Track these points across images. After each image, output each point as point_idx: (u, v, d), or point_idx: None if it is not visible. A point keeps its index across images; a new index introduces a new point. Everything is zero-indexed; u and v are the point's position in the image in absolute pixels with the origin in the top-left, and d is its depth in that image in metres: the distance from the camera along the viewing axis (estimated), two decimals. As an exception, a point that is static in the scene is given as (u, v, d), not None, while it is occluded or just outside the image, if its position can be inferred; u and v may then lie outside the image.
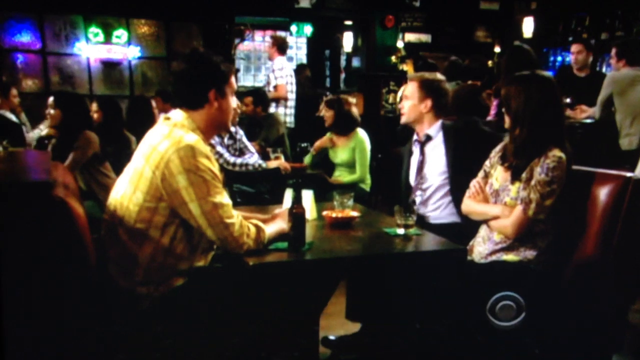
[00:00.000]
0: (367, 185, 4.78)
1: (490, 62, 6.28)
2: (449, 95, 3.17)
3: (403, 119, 3.17)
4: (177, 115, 2.18)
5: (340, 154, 4.77)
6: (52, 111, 4.10)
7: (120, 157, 4.61)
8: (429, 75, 3.16)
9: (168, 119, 2.19)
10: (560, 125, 2.50)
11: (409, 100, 3.11)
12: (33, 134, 5.33)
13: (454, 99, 6.09)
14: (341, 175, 4.79)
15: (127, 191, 2.09)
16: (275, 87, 6.65)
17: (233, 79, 2.25)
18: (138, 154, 2.13)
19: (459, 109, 5.82)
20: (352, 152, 4.71)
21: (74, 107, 4.18)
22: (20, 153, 2.56)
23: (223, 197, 2.08)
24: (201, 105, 2.17)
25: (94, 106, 4.96)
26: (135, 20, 8.08)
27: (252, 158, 4.56)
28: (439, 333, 2.35)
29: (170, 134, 2.08)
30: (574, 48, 5.36)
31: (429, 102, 3.07)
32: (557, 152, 2.39)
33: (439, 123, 3.12)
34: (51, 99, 4.17)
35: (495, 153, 2.67)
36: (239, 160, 4.42)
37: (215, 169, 2.11)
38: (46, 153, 3.01)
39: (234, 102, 2.27)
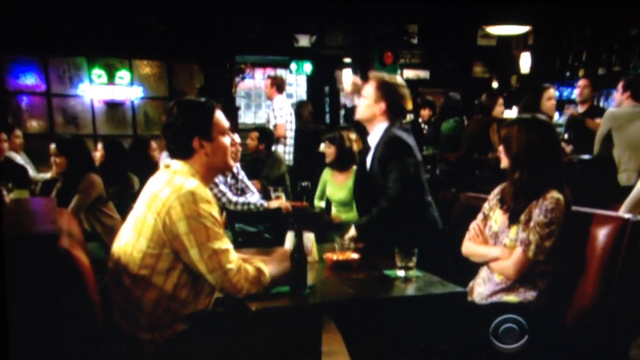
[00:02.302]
0: (366, 224, 4.78)
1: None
2: (405, 100, 3.21)
3: (356, 116, 3.25)
4: (175, 163, 2.23)
5: (338, 193, 4.77)
6: (57, 159, 4.13)
7: (124, 197, 4.66)
8: (389, 77, 3.21)
9: (168, 166, 2.24)
10: (559, 168, 2.54)
11: (365, 99, 3.18)
12: (37, 176, 5.38)
13: (465, 134, 6.18)
14: (339, 213, 4.80)
15: (130, 239, 2.13)
16: (275, 126, 6.72)
17: (219, 118, 2.26)
18: (140, 202, 2.17)
19: (470, 143, 5.87)
20: (349, 191, 4.71)
21: (77, 152, 4.24)
22: (25, 201, 2.60)
23: (223, 243, 2.11)
24: (190, 154, 2.21)
25: (100, 146, 5.01)
26: (138, 61, 8.22)
27: (254, 197, 4.58)
28: (443, 352, 2.35)
29: (170, 181, 2.12)
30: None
31: (383, 105, 3.14)
32: (555, 194, 2.43)
33: (384, 127, 3.17)
34: (53, 146, 4.20)
35: (493, 195, 2.70)
36: (241, 200, 4.45)
37: (216, 213, 2.14)
38: (51, 200, 3.05)
39: (226, 140, 2.28)
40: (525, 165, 2.49)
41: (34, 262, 1.65)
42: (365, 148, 3.30)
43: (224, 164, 2.30)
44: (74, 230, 2.24)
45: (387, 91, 3.15)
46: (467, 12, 8.18)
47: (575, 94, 5.65)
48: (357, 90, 3.40)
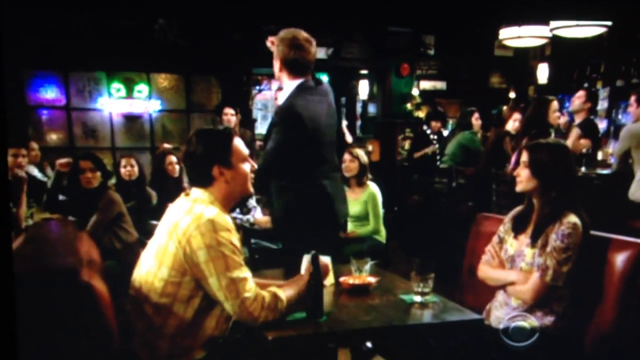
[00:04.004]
0: (382, 237, 4.79)
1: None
2: (302, 52, 3.03)
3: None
4: (196, 191, 2.25)
5: (352, 207, 4.76)
6: (94, 174, 4.19)
7: (142, 213, 4.69)
8: (284, 33, 3.06)
9: (188, 194, 2.26)
10: (576, 191, 2.55)
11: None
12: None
13: (484, 148, 6.18)
14: (355, 228, 4.81)
15: (151, 267, 2.16)
16: None
17: (238, 146, 2.28)
18: (161, 231, 2.19)
19: (487, 157, 5.87)
20: (364, 205, 4.71)
21: (106, 169, 4.35)
22: (45, 226, 2.62)
23: (241, 272, 2.11)
24: (210, 182, 2.24)
25: (124, 161, 5.04)
26: (156, 75, 8.30)
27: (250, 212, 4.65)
28: (452, 350, 2.35)
29: (191, 210, 2.15)
30: None
31: (279, 62, 3.04)
32: (571, 218, 2.43)
33: (293, 85, 3.05)
34: (83, 162, 4.25)
35: (509, 219, 2.70)
36: (232, 214, 4.49)
37: (236, 240, 2.15)
38: (71, 224, 3.08)
39: (246, 167, 2.30)
40: (557, 186, 2.51)
41: (55, 295, 1.68)
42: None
43: (243, 191, 2.32)
44: (94, 257, 2.27)
45: (280, 47, 3.03)
46: (483, 21, 8.18)
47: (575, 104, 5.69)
48: None
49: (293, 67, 3.04)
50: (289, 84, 3.07)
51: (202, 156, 2.23)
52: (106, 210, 4.13)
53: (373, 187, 4.76)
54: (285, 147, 2.98)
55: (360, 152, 4.82)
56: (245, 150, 2.33)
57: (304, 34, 3.06)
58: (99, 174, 4.24)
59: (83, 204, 4.21)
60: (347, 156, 4.79)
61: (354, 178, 4.78)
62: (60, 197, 4.43)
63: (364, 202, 4.72)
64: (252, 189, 2.37)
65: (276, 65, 3.07)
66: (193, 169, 2.27)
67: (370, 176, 4.85)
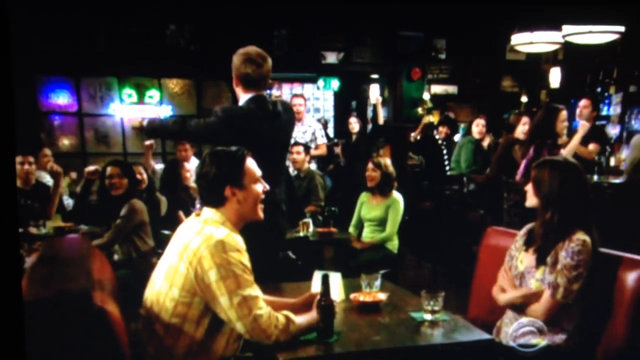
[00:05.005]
0: (394, 247, 4.79)
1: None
2: (252, 66, 3.13)
3: None
4: (207, 211, 2.27)
5: (372, 211, 4.80)
6: (120, 181, 4.23)
7: (151, 220, 4.70)
8: (240, 50, 3.20)
9: (198, 214, 2.28)
10: (588, 209, 2.53)
11: None
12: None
13: (494, 156, 6.17)
14: (371, 234, 4.82)
15: (162, 287, 2.17)
16: (317, 146, 6.58)
17: (250, 167, 2.31)
18: (171, 251, 2.21)
19: (497, 165, 5.87)
20: (385, 210, 4.74)
21: (135, 177, 4.38)
22: (58, 245, 2.63)
23: (253, 290, 2.13)
24: (222, 203, 2.26)
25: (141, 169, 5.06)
26: (167, 80, 8.33)
27: None
28: (459, 353, 2.35)
29: (201, 231, 2.16)
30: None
31: (235, 79, 3.19)
32: (581, 235, 2.43)
33: (245, 98, 3.18)
34: (111, 167, 4.28)
35: (520, 236, 2.70)
36: None
37: (246, 260, 2.17)
38: (85, 240, 3.09)
39: (258, 188, 2.32)
40: (555, 207, 2.50)
41: (68, 320, 1.69)
42: None
43: (253, 213, 2.33)
44: (106, 276, 2.29)
45: (234, 62, 3.18)
46: (495, 25, 8.15)
47: (577, 113, 5.70)
48: None
49: (246, 81, 3.17)
50: (243, 97, 3.21)
51: (215, 177, 2.24)
52: (127, 219, 4.15)
53: (397, 195, 4.79)
54: (208, 135, 3.18)
55: (384, 162, 4.83)
56: (258, 171, 2.34)
57: (257, 50, 3.21)
58: (125, 181, 4.27)
59: (107, 210, 4.25)
60: (369, 165, 4.82)
61: (376, 188, 4.79)
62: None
63: (385, 206, 4.74)
64: (261, 214, 2.37)
65: (234, 82, 3.21)
66: (206, 190, 2.29)
67: (396, 184, 4.85)
